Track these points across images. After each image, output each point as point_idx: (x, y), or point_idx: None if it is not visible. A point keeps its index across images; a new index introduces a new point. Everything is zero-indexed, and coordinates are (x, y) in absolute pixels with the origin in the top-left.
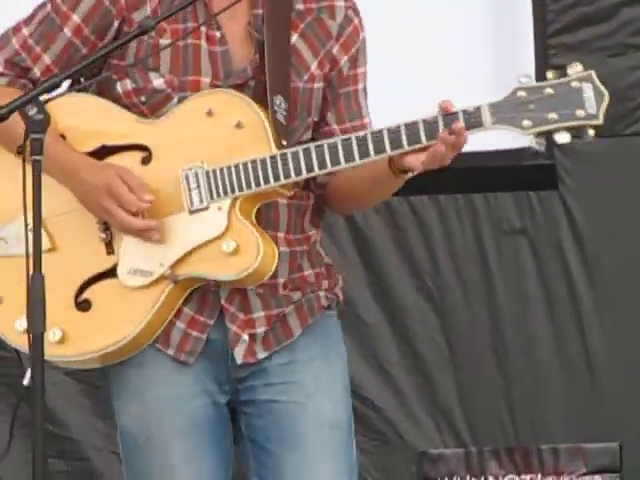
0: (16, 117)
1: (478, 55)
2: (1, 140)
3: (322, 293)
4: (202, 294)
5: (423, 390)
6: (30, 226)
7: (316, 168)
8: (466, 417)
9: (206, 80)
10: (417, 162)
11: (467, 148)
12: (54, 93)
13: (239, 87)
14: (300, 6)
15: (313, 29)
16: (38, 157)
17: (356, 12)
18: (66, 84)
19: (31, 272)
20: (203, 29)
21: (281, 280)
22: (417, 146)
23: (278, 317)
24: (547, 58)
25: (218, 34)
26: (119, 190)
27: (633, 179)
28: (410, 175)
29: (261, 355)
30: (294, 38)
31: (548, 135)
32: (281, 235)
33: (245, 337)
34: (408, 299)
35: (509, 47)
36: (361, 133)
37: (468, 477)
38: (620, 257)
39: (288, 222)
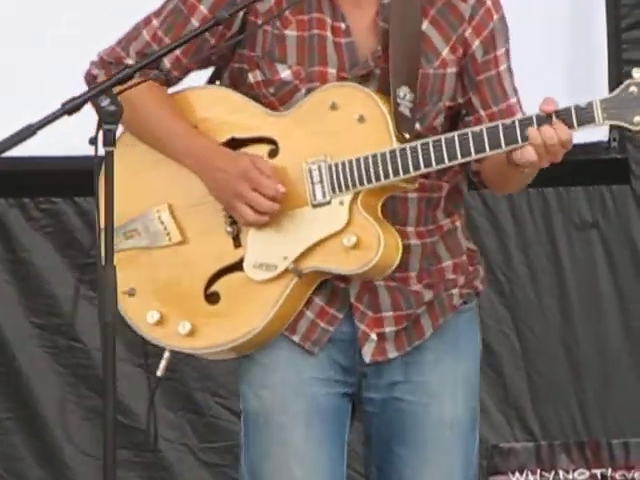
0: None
1: (553, 52)
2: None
3: (455, 291)
4: (332, 287)
5: (494, 384)
6: (162, 217)
7: (434, 163)
8: (537, 411)
9: (332, 71)
10: (521, 156)
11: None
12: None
13: (364, 78)
14: None
15: (444, 14)
16: (110, 148)
17: None
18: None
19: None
20: (328, 20)
21: (413, 274)
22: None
23: (410, 318)
24: (620, 52)
25: (343, 25)
26: (255, 175)
27: None
28: (527, 171)
29: (392, 354)
30: (424, 25)
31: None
32: (411, 229)
33: (373, 336)
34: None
35: (584, 42)
36: (477, 128)
37: (539, 471)
38: None
39: (418, 216)
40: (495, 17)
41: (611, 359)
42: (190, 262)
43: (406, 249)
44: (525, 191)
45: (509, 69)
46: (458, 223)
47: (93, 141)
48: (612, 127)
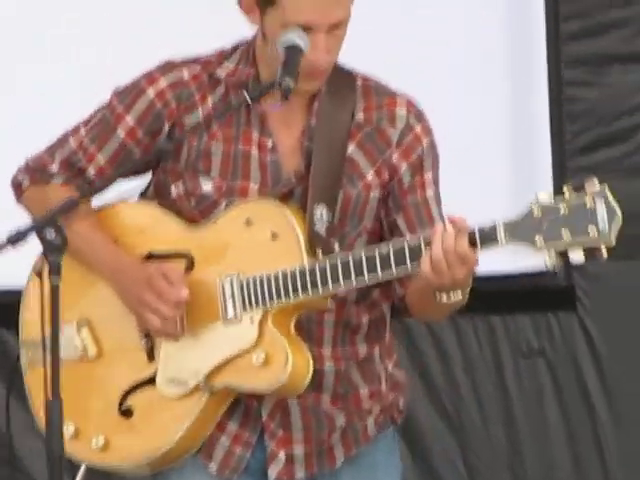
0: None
1: (495, 174)
2: None
3: (371, 420)
4: (245, 407)
5: None
6: (81, 331)
7: (341, 282)
8: None
9: (254, 187)
10: (425, 267)
11: (483, 270)
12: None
13: (286, 195)
14: (360, 116)
15: (372, 138)
16: (56, 279)
17: (418, 118)
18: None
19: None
20: (255, 134)
21: (326, 396)
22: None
23: (320, 441)
24: (564, 179)
25: (270, 142)
26: (159, 283)
27: None
28: (444, 298)
29: (299, 475)
30: (350, 148)
31: (564, 256)
32: (326, 352)
33: (281, 456)
34: (426, 419)
35: (526, 168)
36: (384, 248)
37: None
38: (636, 377)
39: (334, 337)
40: (424, 142)
41: (557, 472)
42: (105, 376)
43: (320, 372)
44: (471, 317)
45: (437, 195)
46: (376, 351)
47: (38, 272)
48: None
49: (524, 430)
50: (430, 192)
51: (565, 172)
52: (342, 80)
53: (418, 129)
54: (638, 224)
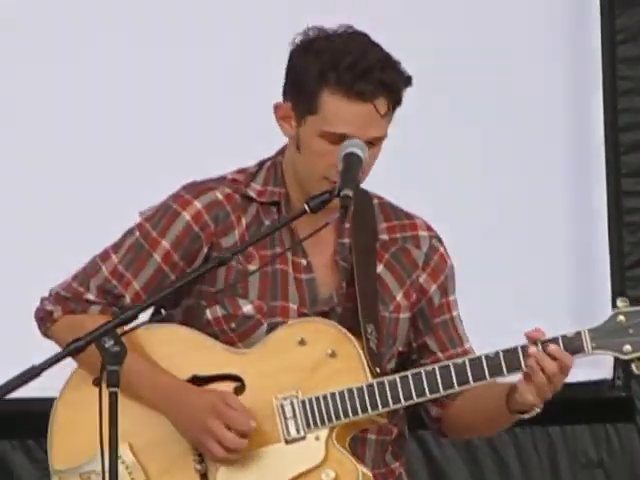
0: (93, 348)
1: (556, 283)
2: (85, 368)
3: None
4: None
5: None
6: (124, 456)
7: (414, 396)
8: None
9: (294, 307)
10: (527, 392)
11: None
12: (139, 322)
13: (325, 314)
14: (384, 236)
15: (398, 259)
16: (114, 389)
17: (440, 241)
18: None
19: None
20: (290, 256)
21: None
22: (516, 372)
23: None
24: (624, 289)
25: (304, 262)
26: (226, 411)
27: None
28: (526, 416)
29: None
30: (379, 268)
31: (625, 365)
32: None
33: None
34: None
35: (586, 278)
36: (459, 360)
37: None
38: None
39: (374, 457)
40: (448, 263)
41: None
42: None
43: None
44: (530, 428)
45: (459, 316)
46: (402, 470)
47: (97, 382)
48: (616, 365)
49: None
50: (455, 312)
51: (623, 281)
52: (361, 199)
53: (442, 250)
54: None
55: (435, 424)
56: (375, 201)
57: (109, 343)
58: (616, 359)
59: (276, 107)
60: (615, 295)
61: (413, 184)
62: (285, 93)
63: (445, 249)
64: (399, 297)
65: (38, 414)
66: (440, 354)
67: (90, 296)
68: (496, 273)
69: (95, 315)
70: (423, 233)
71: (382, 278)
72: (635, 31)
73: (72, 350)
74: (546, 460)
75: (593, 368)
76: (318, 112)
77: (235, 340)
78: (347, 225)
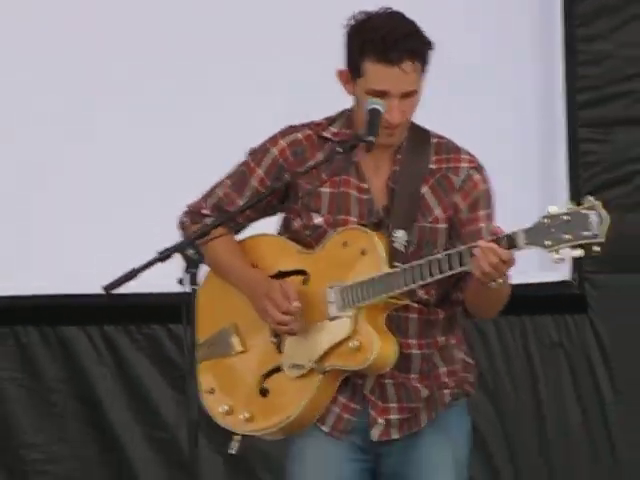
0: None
1: (525, 210)
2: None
3: (447, 391)
4: (352, 386)
5: (483, 462)
6: (231, 333)
7: (413, 282)
8: (512, 465)
9: (353, 219)
10: (475, 269)
11: (518, 281)
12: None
13: (376, 225)
14: (432, 166)
15: (440, 184)
16: (194, 287)
17: (478, 170)
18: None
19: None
20: (354, 180)
21: (414, 375)
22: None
23: (411, 410)
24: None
25: (365, 185)
26: (274, 295)
27: None
28: (494, 284)
29: (394, 436)
30: (424, 189)
31: (579, 269)
32: (412, 341)
33: (381, 421)
34: (473, 396)
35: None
36: (439, 255)
37: None
38: (636, 368)
39: (419, 331)
40: (479, 187)
41: (570, 442)
42: (248, 366)
43: (408, 356)
44: (507, 318)
45: (488, 228)
46: (453, 341)
47: (181, 281)
48: (574, 268)
49: (546, 403)
50: (482, 224)
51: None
52: (420, 137)
53: (476, 177)
54: (635, 246)
55: (462, 306)
56: (434, 140)
57: (190, 252)
58: (574, 265)
59: (339, 73)
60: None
61: None
62: (345, 62)
63: (482, 176)
64: (437, 212)
65: (137, 305)
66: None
67: (206, 211)
68: None
69: (219, 240)
70: (463, 165)
71: (425, 197)
72: (591, 14)
73: (162, 257)
74: (519, 341)
75: (556, 272)
76: (363, 75)
77: (312, 244)
78: (399, 157)
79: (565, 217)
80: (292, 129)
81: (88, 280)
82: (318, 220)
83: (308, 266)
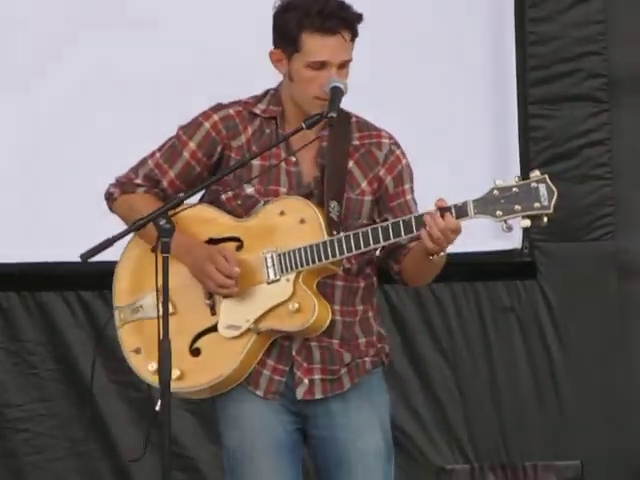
0: (150, 226)
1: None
2: (144, 239)
3: (368, 359)
4: (280, 348)
5: (440, 421)
6: (161, 300)
7: (353, 249)
8: (471, 441)
9: (283, 190)
10: (426, 239)
11: (473, 249)
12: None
13: (306, 196)
14: (356, 142)
15: (365, 158)
16: (166, 254)
17: (397, 145)
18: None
19: (162, 337)
20: (283, 153)
21: (336, 341)
22: (412, 233)
23: (333, 372)
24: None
25: (294, 159)
26: (217, 259)
27: (590, 271)
28: (435, 257)
29: (318, 395)
30: (350, 164)
31: (529, 238)
32: (336, 307)
33: (305, 381)
34: (430, 358)
35: (502, 177)
36: (384, 224)
37: None
38: (581, 327)
39: (342, 298)
40: (403, 162)
41: (523, 402)
42: (179, 327)
43: (332, 322)
44: (462, 284)
45: (413, 199)
46: (370, 313)
47: (153, 249)
48: (523, 238)
49: (499, 364)
50: (409, 197)
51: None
52: (342, 117)
53: (398, 152)
54: (581, 217)
55: (397, 276)
56: (353, 119)
57: (162, 222)
58: (524, 234)
59: (271, 53)
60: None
61: None
62: (275, 42)
63: (401, 152)
64: (363, 185)
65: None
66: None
67: (138, 181)
68: (435, 168)
69: (141, 194)
70: (385, 140)
71: (351, 171)
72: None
73: (137, 226)
74: (474, 306)
75: (507, 240)
76: (301, 49)
77: (242, 213)
78: (326, 133)
79: (515, 189)
80: (222, 106)
81: (65, 248)
82: (250, 190)
83: (241, 233)
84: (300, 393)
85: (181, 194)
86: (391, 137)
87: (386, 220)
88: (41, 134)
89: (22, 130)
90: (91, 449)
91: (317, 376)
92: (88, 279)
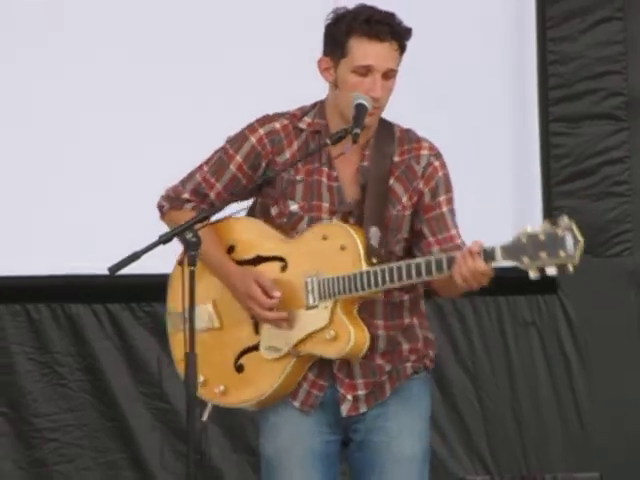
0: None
1: (501, 199)
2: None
3: (409, 364)
4: (321, 364)
5: (461, 433)
6: (209, 309)
7: (388, 283)
8: (492, 453)
9: (326, 205)
10: (457, 276)
11: (494, 265)
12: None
13: (347, 213)
14: (397, 158)
15: (405, 174)
16: (192, 268)
17: (437, 156)
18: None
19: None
20: (325, 169)
21: (378, 354)
22: (443, 272)
23: (375, 384)
24: (551, 201)
25: (335, 173)
26: (255, 294)
27: (610, 287)
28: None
29: (363, 409)
30: (391, 181)
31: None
32: (379, 322)
33: (349, 397)
34: (452, 371)
35: (523, 194)
36: (422, 259)
37: None
38: (600, 341)
39: (384, 313)
40: (440, 173)
41: (544, 415)
42: (225, 342)
43: (374, 336)
44: (484, 298)
45: (450, 210)
46: (416, 321)
47: (180, 262)
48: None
49: (520, 377)
50: (445, 208)
51: (551, 196)
52: (385, 131)
53: (436, 164)
54: (600, 233)
55: (427, 286)
56: (397, 133)
57: (189, 235)
58: None
59: (319, 62)
60: (545, 205)
61: None
62: (325, 51)
63: (441, 162)
64: (404, 200)
65: (138, 285)
66: (431, 238)
67: (186, 195)
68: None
69: (188, 211)
70: (424, 152)
71: (393, 188)
72: (560, 20)
73: (163, 241)
74: (495, 320)
75: None
76: (348, 54)
77: (289, 230)
78: (367, 152)
79: (541, 237)
80: (269, 118)
81: (94, 262)
82: (294, 207)
83: (286, 254)
84: (345, 410)
85: (189, 206)
86: (432, 147)
87: (421, 232)
88: (80, 150)
89: (61, 146)
90: (118, 459)
91: (361, 392)
92: (116, 291)
